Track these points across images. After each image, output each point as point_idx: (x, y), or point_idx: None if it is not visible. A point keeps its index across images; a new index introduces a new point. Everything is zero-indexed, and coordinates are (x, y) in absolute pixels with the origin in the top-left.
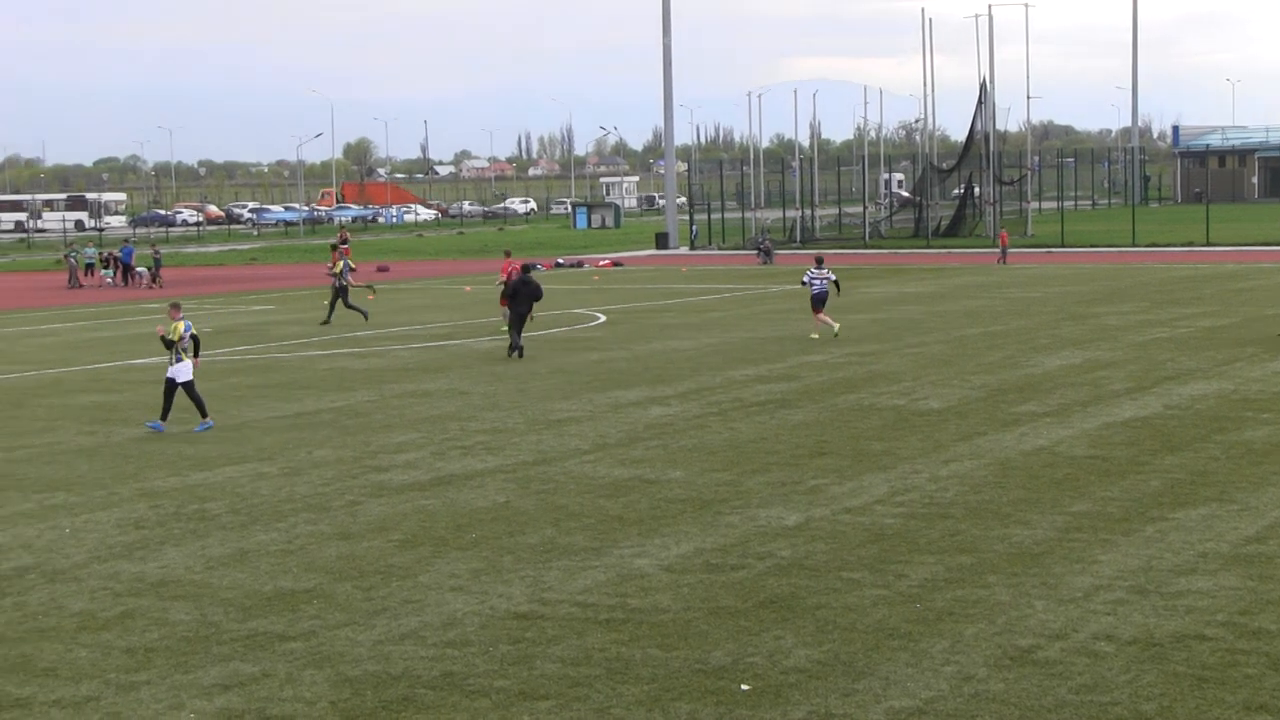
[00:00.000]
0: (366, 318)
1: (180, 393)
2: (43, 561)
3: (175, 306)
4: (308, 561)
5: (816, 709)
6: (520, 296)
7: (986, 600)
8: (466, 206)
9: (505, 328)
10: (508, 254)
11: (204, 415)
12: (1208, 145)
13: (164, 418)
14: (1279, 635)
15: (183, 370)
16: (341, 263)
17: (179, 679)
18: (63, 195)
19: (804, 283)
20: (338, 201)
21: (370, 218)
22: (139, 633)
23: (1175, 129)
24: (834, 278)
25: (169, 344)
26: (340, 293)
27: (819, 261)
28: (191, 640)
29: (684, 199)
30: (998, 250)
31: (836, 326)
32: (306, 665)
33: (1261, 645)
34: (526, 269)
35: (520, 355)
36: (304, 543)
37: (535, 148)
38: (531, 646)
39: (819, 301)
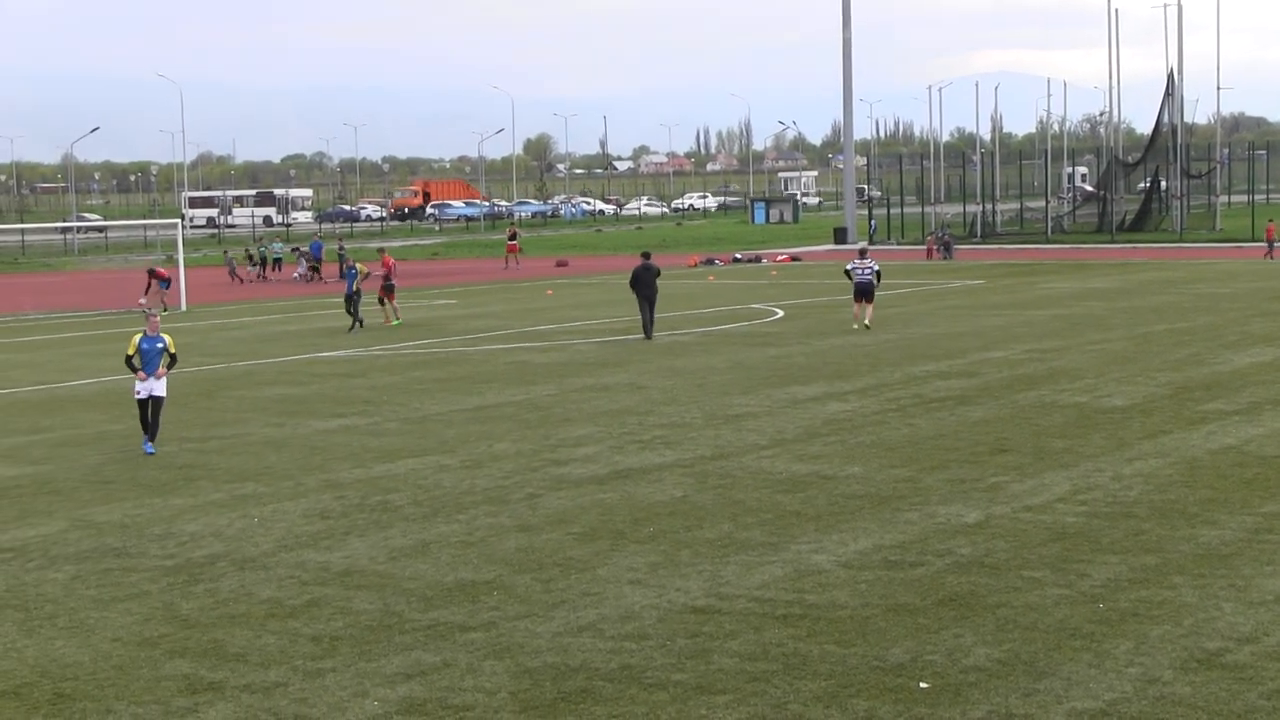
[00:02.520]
0: (351, 329)
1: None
2: (233, 550)
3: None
4: (488, 553)
5: (996, 708)
6: (642, 282)
7: (1172, 601)
8: (644, 202)
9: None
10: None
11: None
12: None
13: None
14: None
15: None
16: (345, 265)
17: (363, 667)
18: (252, 191)
19: (847, 272)
20: (426, 199)
21: (549, 213)
22: (325, 621)
23: None
24: (877, 268)
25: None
26: (354, 298)
27: (863, 253)
28: (375, 629)
29: (875, 191)
30: (1264, 245)
31: (868, 321)
32: (487, 656)
33: None
34: (646, 255)
35: (649, 338)
36: (484, 535)
37: (713, 143)
38: (709, 641)
39: (863, 292)
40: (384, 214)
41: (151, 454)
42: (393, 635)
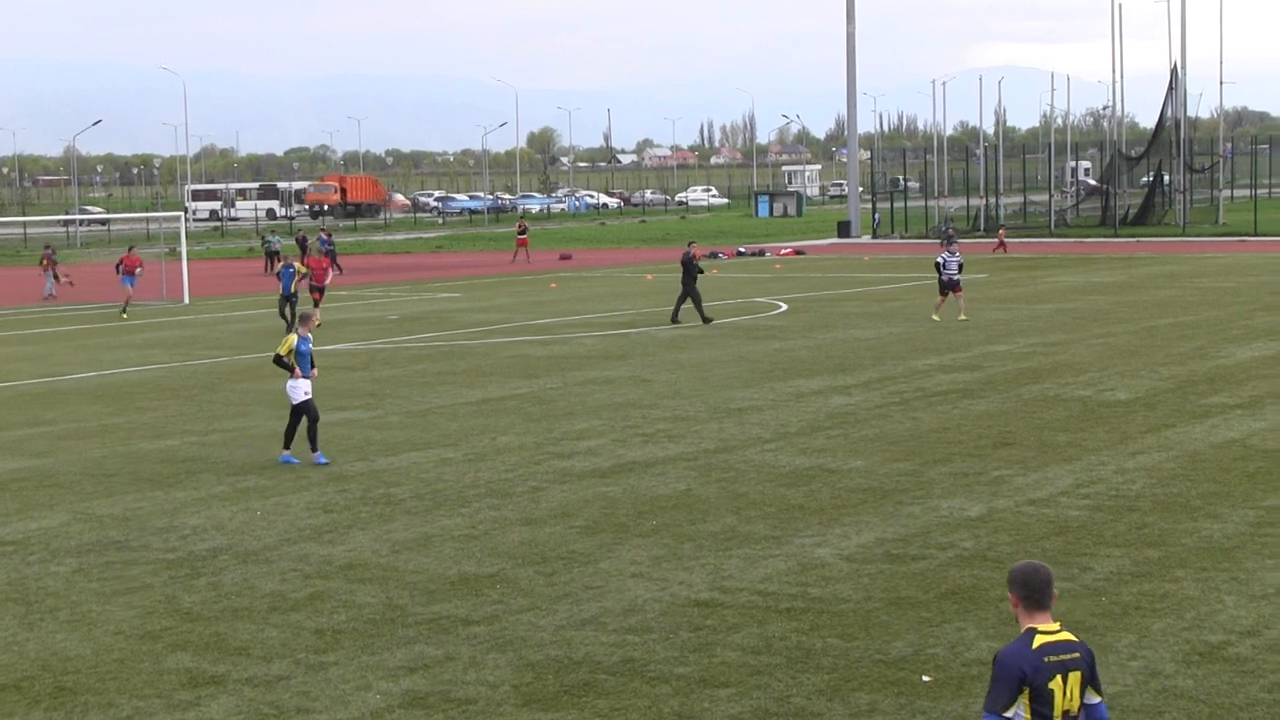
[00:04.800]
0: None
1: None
2: (235, 543)
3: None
4: (491, 546)
5: None
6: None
7: (1175, 595)
8: (649, 195)
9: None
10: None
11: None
12: None
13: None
14: None
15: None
16: (281, 264)
17: (366, 660)
18: (255, 184)
19: (937, 265)
20: (343, 195)
21: (553, 205)
22: (327, 614)
23: None
24: (962, 260)
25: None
26: (291, 299)
27: (950, 241)
28: (378, 623)
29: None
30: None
31: (962, 315)
32: (490, 649)
33: None
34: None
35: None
36: (487, 528)
37: (717, 136)
38: (712, 634)
39: (950, 285)
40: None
41: (326, 463)
42: (395, 628)
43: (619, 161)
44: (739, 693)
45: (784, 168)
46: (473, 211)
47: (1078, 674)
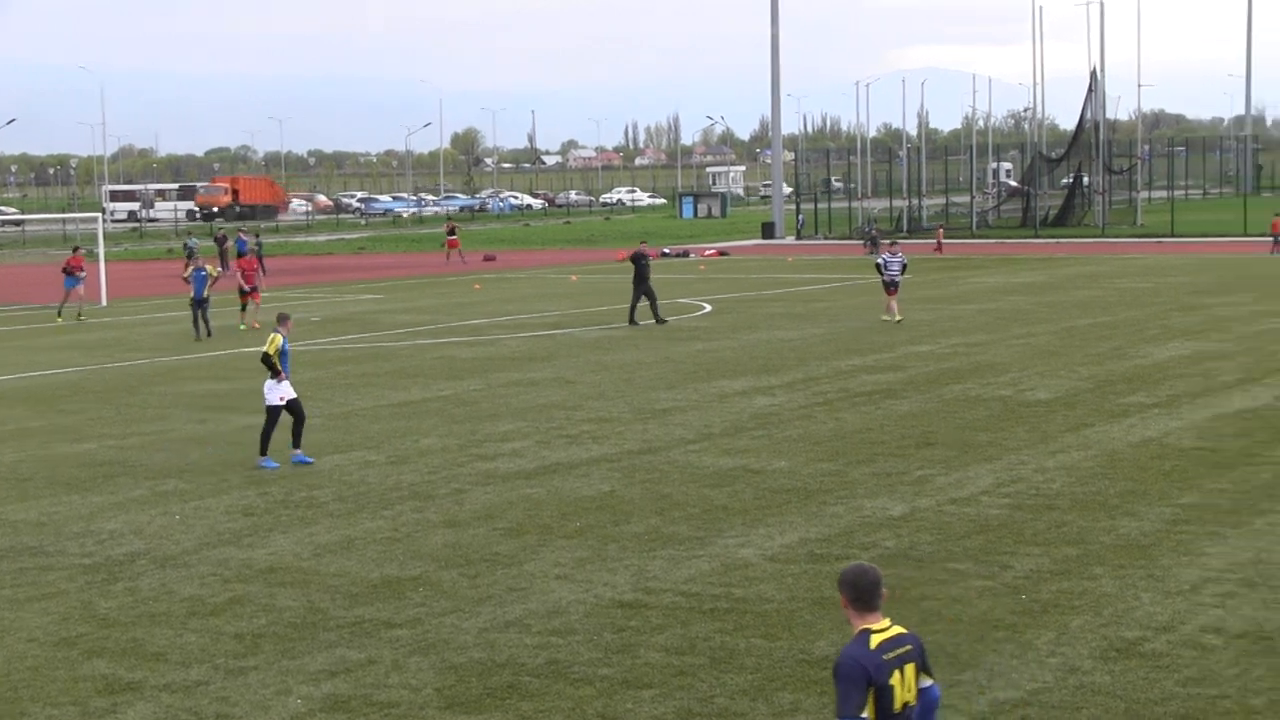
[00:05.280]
0: (199, 338)
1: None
2: (154, 547)
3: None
4: (414, 549)
5: None
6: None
7: (1092, 592)
8: (573, 196)
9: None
10: None
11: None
12: None
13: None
14: None
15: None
16: (192, 267)
17: (287, 665)
18: (175, 185)
19: (878, 266)
20: (235, 197)
21: (477, 207)
22: (247, 619)
23: None
24: (905, 260)
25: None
26: (204, 303)
27: (892, 245)
28: (299, 627)
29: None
30: (1271, 239)
31: (898, 316)
32: (412, 652)
33: None
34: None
35: (633, 324)
36: (410, 530)
37: (642, 137)
38: (635, 635)
39: (893, 285)
40: (309, 208)
41: (311, 463)
42: (316, 632)
43: (543, 163)
44: (662, 693)
45: (708, 169)
46: (396, 213)
47: (912, 665)
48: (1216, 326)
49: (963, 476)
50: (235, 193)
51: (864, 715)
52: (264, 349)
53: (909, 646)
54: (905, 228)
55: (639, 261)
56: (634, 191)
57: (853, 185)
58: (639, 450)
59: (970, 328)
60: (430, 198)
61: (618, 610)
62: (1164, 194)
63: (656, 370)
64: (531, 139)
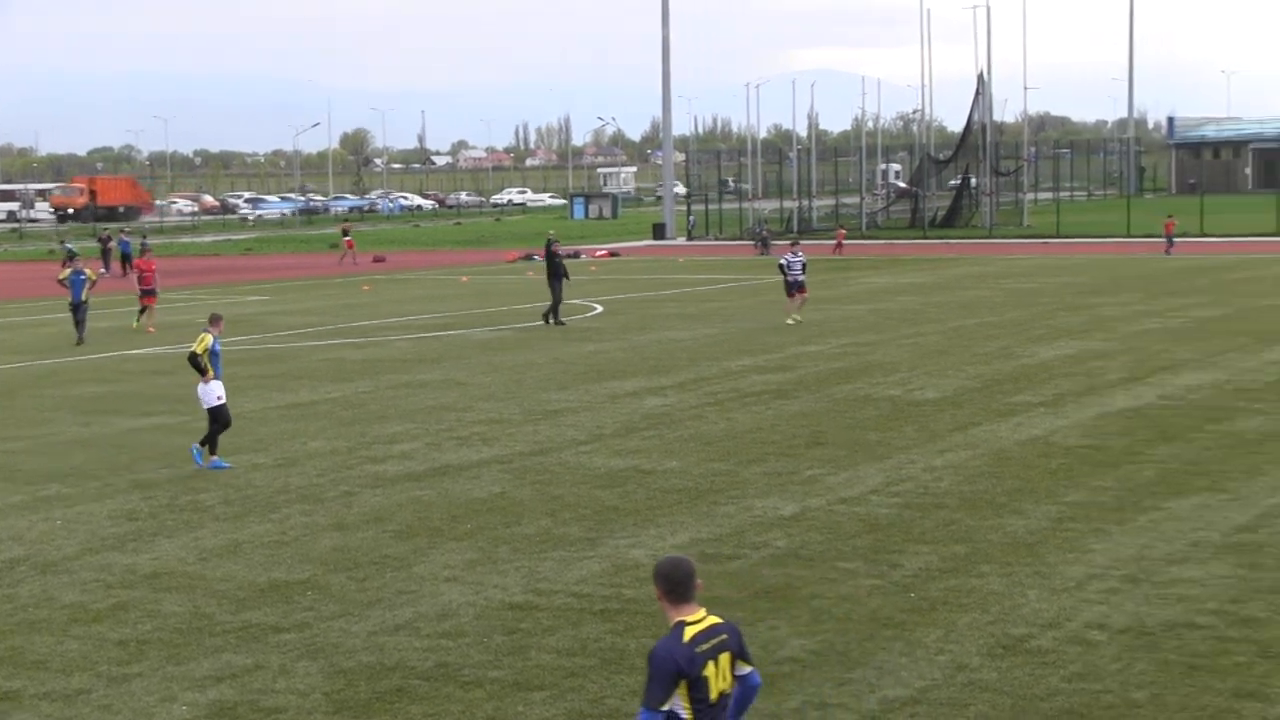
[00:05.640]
0: (79, 342)
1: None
2: (34, 553)
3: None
4: (302, 553)
5: (811, 699)
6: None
7: (980, 589)
8: (463, 197)
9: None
10: None
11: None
12: (1203, 137)
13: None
14: (1269, 623)
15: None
16: (69, 270)
17: (171, 671)
18: (56, 185)
19: (781, 267)
20: (93, 198)
21: (366, 208)
22: (131, 625)
23: (1170, 120)
24: (805, 260)
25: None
26: (82, 306)
27: (794, 245)
28: (184, 632)
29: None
30: (1164, 240)
31: (799, 316)
32: (300, 657)
33: (1251, 633)
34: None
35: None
36: (298, 534)
37: (533, 138)
38: (526, 637)
39: (796, 286)
40: (195, 209)
41: (229, 468)
42: (203, 638)
43: (434, 163)
44: (553, 695)
45: (599, 170)
46: (284, 214)
47: (728, 654)
48: (1101, 326)
49: (852, 476)
50: (93, 194)
51: (669, 708)
52: (193, 348)
53: (724, 636)
54: (796, 228)
55: (552, 259)
56: (525, 192)
57: (745, 186)
58: (530, 451)
59: (860, 328)
60: (319, 198)
61: (508, 612)
62: (1050, 195)
63: (548, 371)
64: (421, 139)
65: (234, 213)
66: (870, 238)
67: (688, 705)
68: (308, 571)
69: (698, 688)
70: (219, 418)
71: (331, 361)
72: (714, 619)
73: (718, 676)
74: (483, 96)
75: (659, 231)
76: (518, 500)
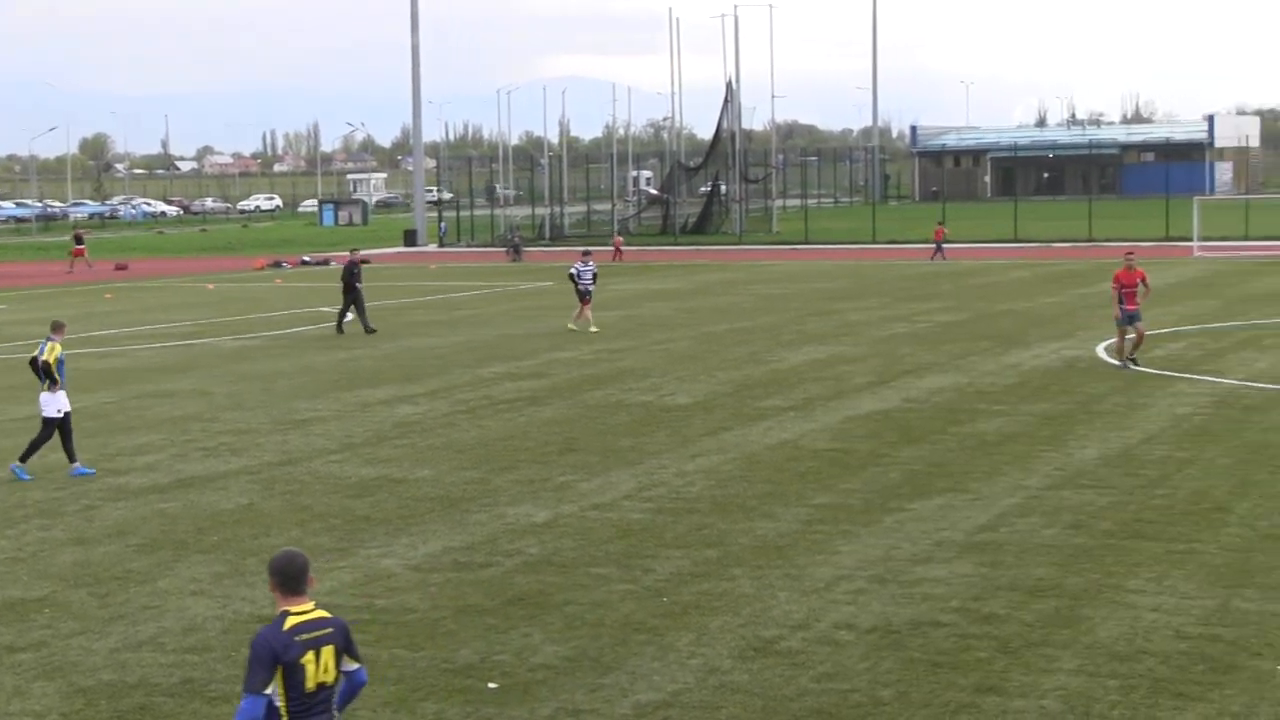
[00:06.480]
0: None
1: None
2: None
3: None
4: (39, 569)
5: (564, 705)
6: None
7: (732, 593)
8: (209, 203)
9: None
10: None
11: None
12: (943, 145)
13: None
14: (1008, 619)
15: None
16: None
17: None
18: None
19: (571, 276)
20: None
21: (108, 214)
22: None
23: (913, 129)
24: (596, 269)
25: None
26: None
27: (586, 255)
28: None
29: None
30: (932, 246)
31: (593, 326)
32: (37, 677)
33: (992, 629)
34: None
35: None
36: (35, 549)
37: (281, 144)
38: None
39: (586, 295)
40: None
41: (92, 474)
42: None
43: (178, 169)
44: None
45: (349, 176)
46: (19, 219)
47: (330, 647)
48: (848, 331)
49: (605, 482)
50: None
51: (268, 691)
52: (42, 356)
53: (329, 630)
54: (548, 235)
55: (351, 269)
56: (273, 199)
57: (510, 191)
58: (279, 462)
59: (612, 334)
60: (57, 204)
61: (257, 625)
62: (798, 202)
63: (297, 380)
64: (165, 145)
65: None
66: (626, 244)
67: (282, 692)
68: (46, 588)
69: (293, 675)
70: (54, 429)
71: (73, 371)
72: (322, 613)
73: (318, 667)
74: (229, 101)
75: (410, 238)
76: (266, 511)
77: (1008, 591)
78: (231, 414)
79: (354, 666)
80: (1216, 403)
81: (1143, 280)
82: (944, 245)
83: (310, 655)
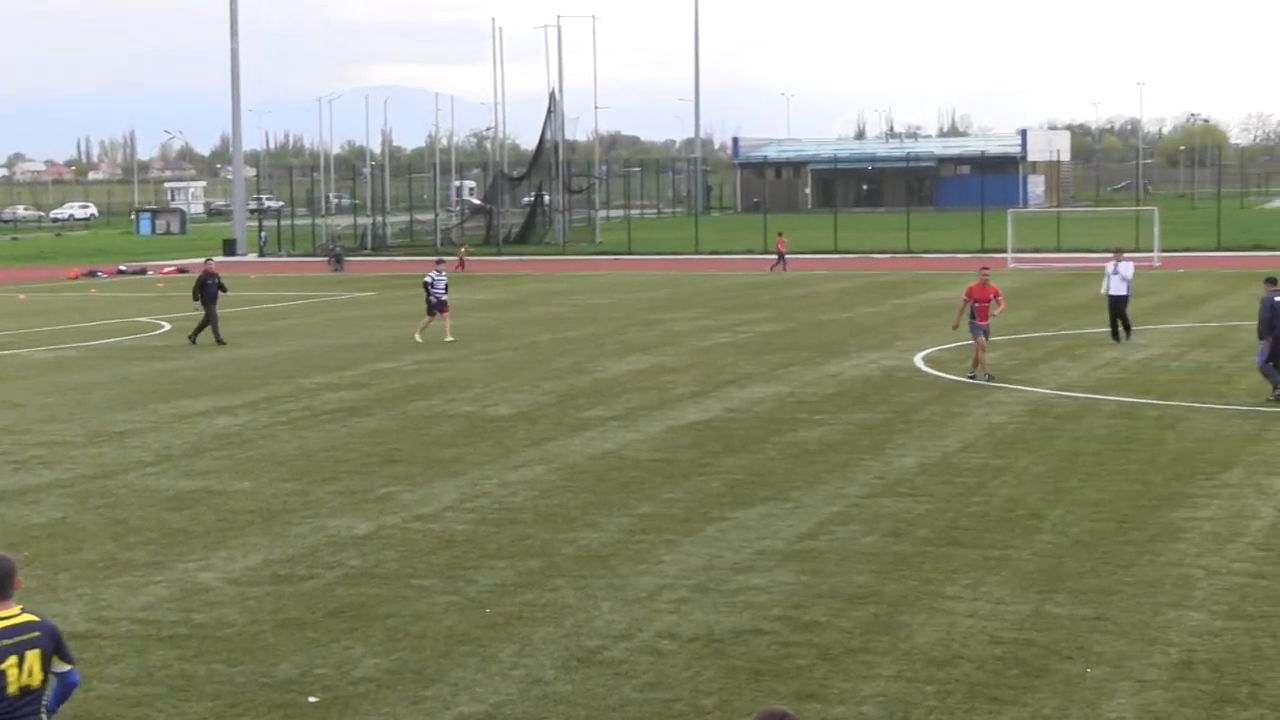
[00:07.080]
0: None
1: None
2: None
3: None
4: None
5: (386, 718)
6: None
7: (555, 603)
8: (20, 211)
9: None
10: None
11: None
12: (765, 157)
13: None
14: (828, 627)
15: None
16: None
17: None
18: None
19: (426, 285)
20: None
21: None
22: None
23: (735, 141)
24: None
25: None
26: None
27: (440, 264)
28: None
29: (279, 203)
30: (775, 256)
31: (449, 335)
32: None
33: (812, 637)
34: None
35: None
36: None
37: (96, 151)
38: (88, 668)
39: (441, 305)
40: None
41: None
42: None
43: None
44: None
45: (167, 184)
46: None
47: (37, 651)
48: (671, 341)
49: (428, 493)
50: None
51: None
52: None
53: (35, 634)
54: (370, 245)
55: (207, 280)
56: (88, 207)
57: (356, 201)
58: (93, 474)
59: (435, 344)
60: None
61: (70, 642)
62: (621, 213)
63: (113, 391)
64: None
65: None
66: (446, 255)
67: None
68: None
69: None
70: None
71: None
72: (29, 617)
73: (21, 671)
74: (41, 106)
75: (230, 248)
76: (80, 525)
77: (828, 599)
78: (44, 426)
79: (65, 668)
80: (1030, 411)
81: (995, 296)
82: (786, 256)
83: (12, 660)
